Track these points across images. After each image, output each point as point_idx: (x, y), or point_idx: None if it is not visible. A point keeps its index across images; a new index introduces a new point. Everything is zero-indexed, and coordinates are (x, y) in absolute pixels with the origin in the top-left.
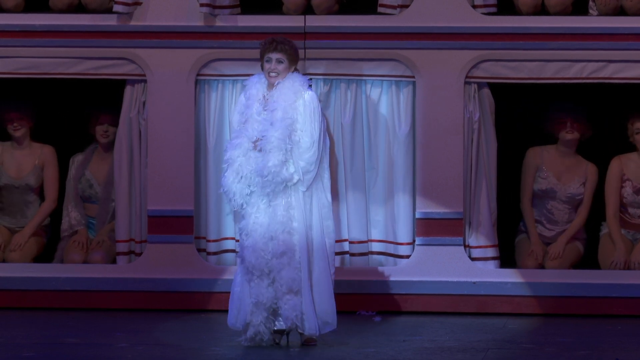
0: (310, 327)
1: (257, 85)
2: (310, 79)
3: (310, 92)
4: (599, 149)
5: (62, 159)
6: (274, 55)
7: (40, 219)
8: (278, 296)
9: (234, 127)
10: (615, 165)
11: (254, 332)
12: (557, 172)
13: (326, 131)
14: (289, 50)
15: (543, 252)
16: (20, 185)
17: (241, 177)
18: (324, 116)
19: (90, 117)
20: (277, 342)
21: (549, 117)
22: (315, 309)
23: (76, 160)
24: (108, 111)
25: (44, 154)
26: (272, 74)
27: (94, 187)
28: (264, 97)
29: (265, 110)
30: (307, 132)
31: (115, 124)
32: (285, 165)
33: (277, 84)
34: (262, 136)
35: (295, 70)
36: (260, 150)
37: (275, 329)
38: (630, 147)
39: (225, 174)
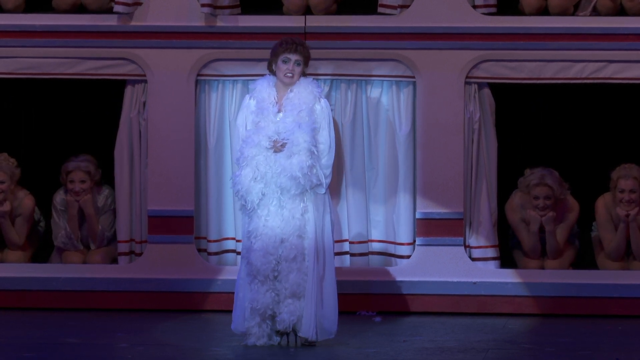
0: (305, 331)
1: (267, 88)
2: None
3: (324, 99)
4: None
5: (56, 161)
6: (294, 57)
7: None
8: (279, 299)
9: (240, 130)
10: (600, 205)
11: (249, 335)
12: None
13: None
14: (306, 53)
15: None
16: None
17: (256, 177)
18: (334, 120)
19: (61, 172)
20: (277, 343)
21: (523, 184)
22: (316, 314)
23: (58, 203)
24: (80, 163)
25: (23, 206)
26: (289, 75)
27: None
28: (275, 99)
29: (280, 112)
30: (323, 136)
31: (90, 178)
32: (314, 168)
33: (293, 87)
34: (287, 138)
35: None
36: (280, 151)
37: (275, 329)
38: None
39: (241, 173)
